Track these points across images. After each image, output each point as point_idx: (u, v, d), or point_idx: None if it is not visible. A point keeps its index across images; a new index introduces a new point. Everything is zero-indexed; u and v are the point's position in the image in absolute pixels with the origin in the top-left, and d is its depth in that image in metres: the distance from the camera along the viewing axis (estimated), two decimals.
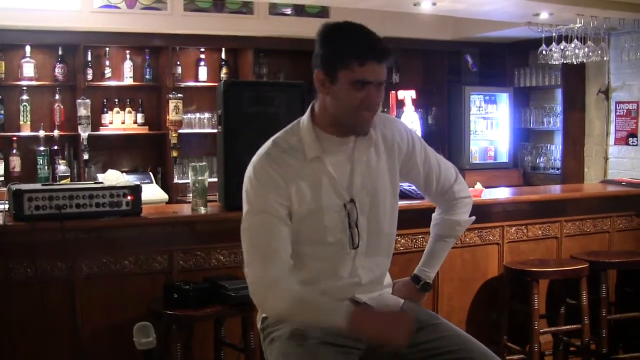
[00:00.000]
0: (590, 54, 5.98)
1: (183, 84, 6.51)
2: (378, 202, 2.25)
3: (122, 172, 4.48)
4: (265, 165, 2.16)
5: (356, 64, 2.06)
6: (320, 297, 2.16)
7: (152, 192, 5.74)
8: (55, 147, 6.04)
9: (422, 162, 2.37)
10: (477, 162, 7.65)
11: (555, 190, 5.41)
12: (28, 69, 6.01)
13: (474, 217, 2.53)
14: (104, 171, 5.23)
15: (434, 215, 2.54)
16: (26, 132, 6.01)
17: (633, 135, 6.76)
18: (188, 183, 5.32)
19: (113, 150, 6.43)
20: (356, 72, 2.07)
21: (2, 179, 5.81)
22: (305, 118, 2.21)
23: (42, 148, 5.94)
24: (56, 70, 6.14)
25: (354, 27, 2.11)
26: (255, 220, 2.14)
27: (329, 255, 2.21)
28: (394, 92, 6.74)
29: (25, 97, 6.01)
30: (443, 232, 2.51)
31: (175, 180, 6.39)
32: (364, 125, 2.17)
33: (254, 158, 2.21)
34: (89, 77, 6.16)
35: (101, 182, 3.40)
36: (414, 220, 3.61)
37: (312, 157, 2.16)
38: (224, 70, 6.71)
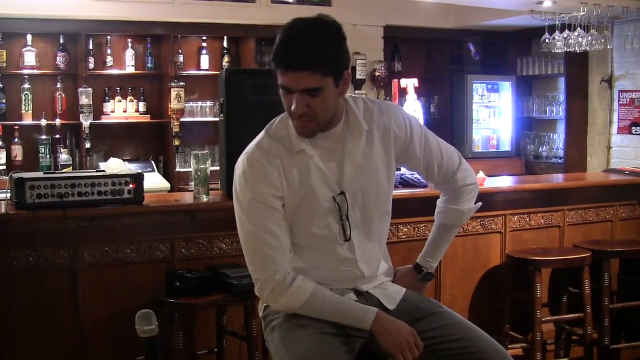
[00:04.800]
0: (593, 42, 5.96)
1: (185, 73, 6.49)
2: (370, 193, 2.22)
3: (123, 160, 4.48)
4: (258, 156, 2.14)
5: (276, 67, 2.06)
6: (338, 297, 2.16)
7: (154, 181, 5.74)
8: (57, 136, 6.04)
9: (421, 149, 2.32)
10: (480, 150, 7.64)
11: (557, 179, 5.39)
12: (29, 57, 5.98)
13: (480, 204, 2.49)
14: (105, 160, 5.23)
15: (438, 202, 2.50)
16: (28, 120, 6.00)
17: (636, 124, 6.73)
18: (190, 171, 5.31)
19: (115, 139, 6.42)
20: (278, 75, 2.07)
21: (4, 167, 5.80)
22: None
23: (43, 137, 5.94)
24: (58, 58, 6.12)
25: (290, 29, 2.09)
26: (251, 216, 2.13)
27: (323, 247, 2.20)
28: (396, 80, 6.72)
29: (26, 85, 5.99)
30: (447, 220, 2.47)
31: (177, 169, 6.38)
32: (297, 128, 2.14)
33: (247, 149, 2.19)
34: (91, 65, 6.14)
35: (103, 171, 3.39)
36: (416, 208, 3.60)
37: (297, 149, 2.15)
38: (225, 58, 6.68)
